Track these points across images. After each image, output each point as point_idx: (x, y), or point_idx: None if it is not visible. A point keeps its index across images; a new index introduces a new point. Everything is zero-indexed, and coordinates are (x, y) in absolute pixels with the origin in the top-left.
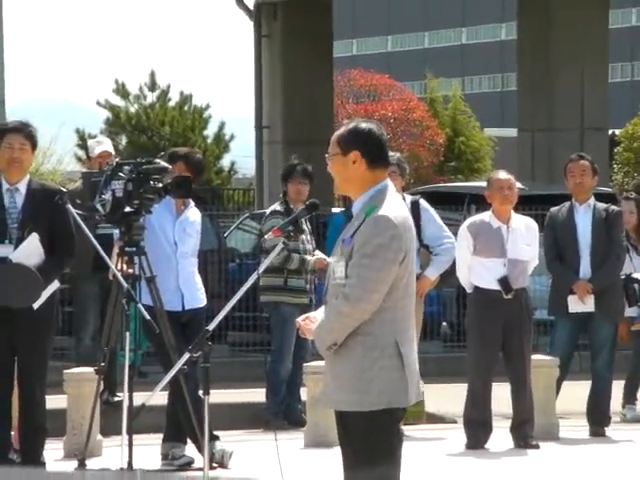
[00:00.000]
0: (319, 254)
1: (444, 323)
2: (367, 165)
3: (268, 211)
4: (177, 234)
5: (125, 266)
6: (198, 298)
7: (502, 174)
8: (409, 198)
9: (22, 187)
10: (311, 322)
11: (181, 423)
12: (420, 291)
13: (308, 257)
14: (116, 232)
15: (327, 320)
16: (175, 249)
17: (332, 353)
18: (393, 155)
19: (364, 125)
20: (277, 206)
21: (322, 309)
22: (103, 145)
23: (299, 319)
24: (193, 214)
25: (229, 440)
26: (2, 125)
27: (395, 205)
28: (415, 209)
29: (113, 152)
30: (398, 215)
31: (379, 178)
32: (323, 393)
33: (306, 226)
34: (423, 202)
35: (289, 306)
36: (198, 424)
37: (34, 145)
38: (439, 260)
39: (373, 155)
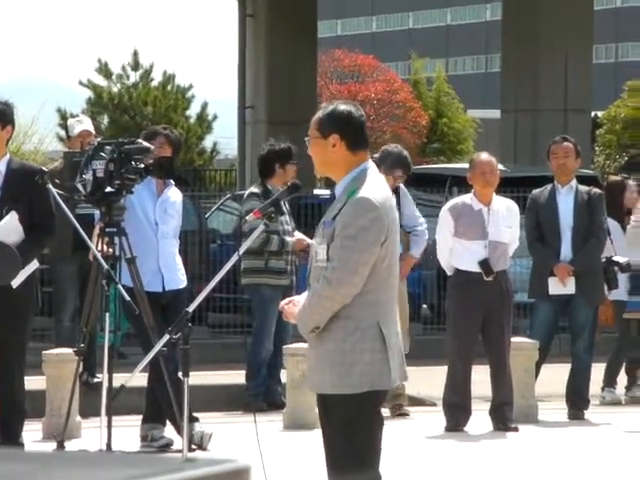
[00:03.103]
0: (298, 235)
1: (424, 305)
2: (347, 147)
3: (245, 194)
4: (158, 214)
5: (105, 247)
6: (178, 279)
7: (484, 156)
8: None
9: (2, 166)
10: (294, 306)
11: (160, 405)
12: (404, 271)
13: (288, 238)
14: (97, 212)
15: (309, 303)
16: (156, 229)
17: (314, 336)
18: (406, 156)
19: (342, 107)
20: (254, 188)
21: (306, 293)
22: (83, 124)
23: (282, 303)
24: (174, 194)
25: (208, 422)
26: None
27: (377, 186)
28: (396, 194)
29: (93, 131)
30: (379, 196)
31: (360, 160)
32: (307, 377)
33: (285, 207)
34: (402, 186)
35: (270, 288)
36: (177, 406)
37: (4, 122)
38: (418, 240)
39: (353, 138)
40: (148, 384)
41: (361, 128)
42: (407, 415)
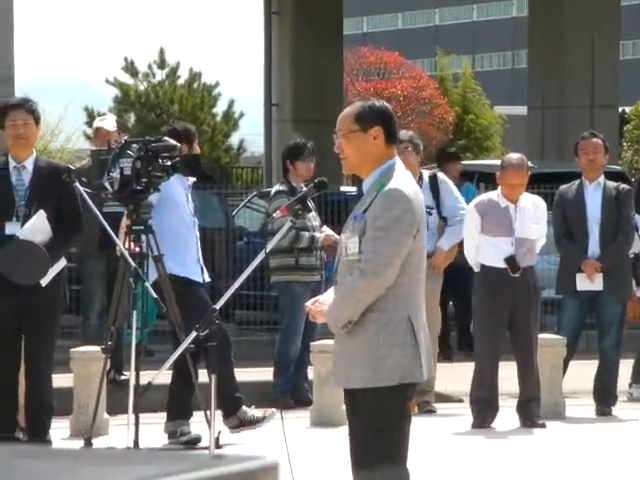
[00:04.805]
0: (327, 230)
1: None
2: (385, 141)
3: (272, 192)
4: (191, 208)
5: (132, 245)
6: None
7: (515, 161)
8: (427, 172)
9: (29, 165)
10: (321, 305)
11: (184, 400)
12: (434, 263)
13: (317, 234)
14: (124, 211)
15: (341, 298)
16: (194, 222)
17: (345, 331)
18: (406, 133)
19: (379, 103)
20: (280, 186)
21: (331, 290)
22: (103, 122)
23: (308, 303)
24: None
25: None
26: (3, 102)
27: (406, 180)
28: (434, 182)
29: (112, 129)
30: (410, 189)
31: (391, 155)
32: (332, 373)
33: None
34: (441, 175)
35: (300, 285)
36: (208, 400)
37: (37, 119)
38: (451, 230)
39: (390, 131)
40: (172, 380)
41: (395, 123)
42: (434, 412)
